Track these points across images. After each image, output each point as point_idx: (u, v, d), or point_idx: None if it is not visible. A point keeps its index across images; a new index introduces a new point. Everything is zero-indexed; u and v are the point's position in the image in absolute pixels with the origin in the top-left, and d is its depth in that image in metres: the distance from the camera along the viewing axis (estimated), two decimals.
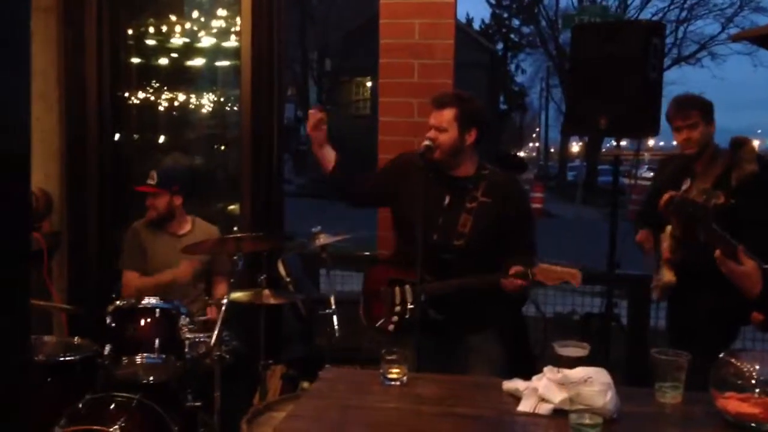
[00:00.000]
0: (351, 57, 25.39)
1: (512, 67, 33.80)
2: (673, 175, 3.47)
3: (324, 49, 26.98)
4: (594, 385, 1.85)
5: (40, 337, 3.49)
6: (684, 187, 3.14)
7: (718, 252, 1.97)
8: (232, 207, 5.84)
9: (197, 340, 3.18)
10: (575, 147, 37.60)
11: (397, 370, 2.16)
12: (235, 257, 3.29)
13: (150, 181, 3.82)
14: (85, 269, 4.47)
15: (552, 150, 39.73)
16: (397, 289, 3.14)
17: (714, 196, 1.91)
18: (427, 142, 3.04)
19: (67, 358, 3.23)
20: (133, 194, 4.07)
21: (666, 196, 3.05)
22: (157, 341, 3.11)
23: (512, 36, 32.85)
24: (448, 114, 3.05)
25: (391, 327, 3.12)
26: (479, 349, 3.09)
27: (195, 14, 5.90)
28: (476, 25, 32.60)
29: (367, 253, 4.88)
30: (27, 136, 1.13)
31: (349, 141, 25.27)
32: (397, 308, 3.11)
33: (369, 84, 27.45)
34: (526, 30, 32.58)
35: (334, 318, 3.27)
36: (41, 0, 4.37)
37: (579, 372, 1.90)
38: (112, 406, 2.95)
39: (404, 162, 3.21)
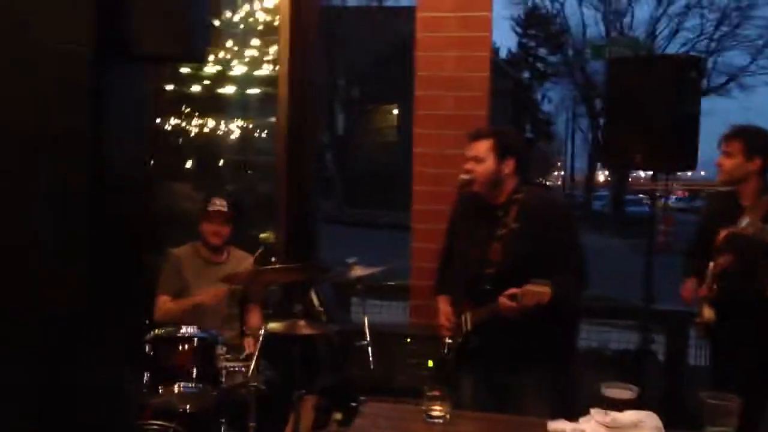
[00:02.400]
0: (378, 84, 25.58)
1: (538, 95, 33.85)
2: (721, 211, 3.43)
3: (351, 76, 27.21)
4: (644, 430, 1.82)
5: None
6: (742, 224, 3.11)
7: None
8: (263, 234, 5.87)
9: (234, 369, 3.19)
10: (601, 176, 37.39)
11: (439, 408, 2.14)
12: (272, 287, 3.31)
13: (221, 208, 3.86)
14: None
15: (578, 179, 39.55)
16: (454, 322, 3.18)
17: None
18: (464, 176, 3.05)
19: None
20: (168, 220, 4.10)
21: (724, 233, 3.04)
22: (194, 370, 3.12)
23: (539, 65, 32.92)
24: (484, 145, 3.07)
25: (445, 357, 3.15)
26: (526, 383, 3.06)
27: (229, 43, 6.00)
28: (503, 54, 32.74)
29: (391, 283, 4.88)
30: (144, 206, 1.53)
31: (376, 168, 25.44)
32: (449, 340, 3.16)
33: (396, 111, 27.60)
34: (552, 59, 32.64)
35: (369, 349, 3.27)
36: None
37: (629, 415, 1.87)
38: None
39: (456, 203, 3.31)
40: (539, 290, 2.79)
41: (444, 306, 3.26)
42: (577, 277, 3.01)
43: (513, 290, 2.86)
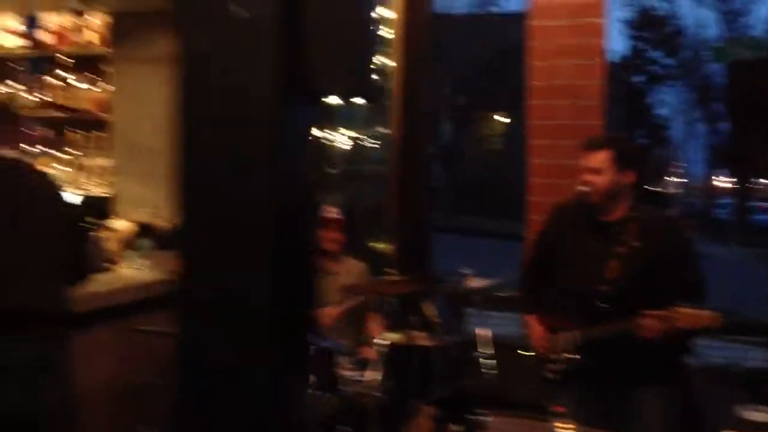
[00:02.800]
0: (483, 92, 25.46)
1: (653, 99, 32.66)
2: None
3: (457, 83, 27.22)
4: None
5: None
6: None
7: None
8: (374, 243, 5.96)
9: (353, 378, 3.26)
10: (720, 182, 35.62)
11: (568, 425, 2.12)
12: (388, 299, 3.37)
13: (335, 215, 3.96)
14: None
15: (696, 186, 37.83)
16: (554, 337, 3.10)
17: None
18: (583, 187, 2.99)
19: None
20: None
21: None
22: (314, 377, 3.21)
23: (652, 68, 31.77)
24: (602, 156, 3.00)
25: (549, 375, 3.08)
26: (643, 401, 2.97)
27: None
28: (615, 58, 31.82)
29: (502, 294, 4.84)
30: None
31: (482, 177, 25.29)
32: (555, 356, 3.08)
33: (501, 119, 27.36)
34: (667, 62, 31.43)
35: (487, 361, 3.27)
36: None
37: None
38: None
39: (556, 215, 3.23)
40: (700, 314, 2.68)
41: (536, 325, 3.17)
42: (697, 297, 2.90)
43: (656, 311, 2.75)
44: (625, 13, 30.75)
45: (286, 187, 1.59)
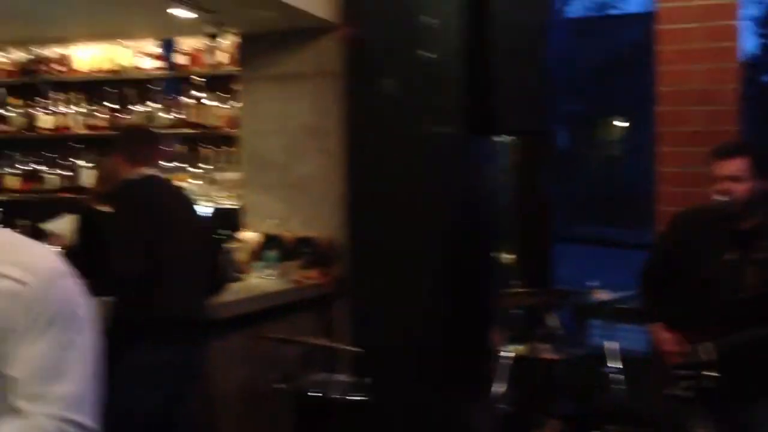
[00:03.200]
0: (601, 96, 24.77)
1: None
2: None
3: (574, 89, 26.59)
4: None
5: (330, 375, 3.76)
6: None
7: None
8: (496, 254, 5.91)
9: None
10: None
11: None
12: (514, 311, 3.35)
13: None
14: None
15: None
16: (686, 349, 2.97)
17: None
18: (722, 197, 2.86)
19: (356, 398, 3.44)
20: None
21: None
22: None
23: None
24: (739, 163, 2.86)
25: (681, 392, 2.95)
26: None
27: None
28: (744, 57, 30.10)
29: (624, 306, 4.69)
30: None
31: (600, 184, 24.58)
32: (684, 371, 2.95)
33: (620, 124, 26.52)
34: None
35: (617, 376, 3.18)
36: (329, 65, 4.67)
37: None
38: None
39: (678, 224, 3.12)
40: None
41: (665, 333, 3.02)
42: None
43: None
44: (754, 10, 29.11)
45: (472, 221, 1.78)
